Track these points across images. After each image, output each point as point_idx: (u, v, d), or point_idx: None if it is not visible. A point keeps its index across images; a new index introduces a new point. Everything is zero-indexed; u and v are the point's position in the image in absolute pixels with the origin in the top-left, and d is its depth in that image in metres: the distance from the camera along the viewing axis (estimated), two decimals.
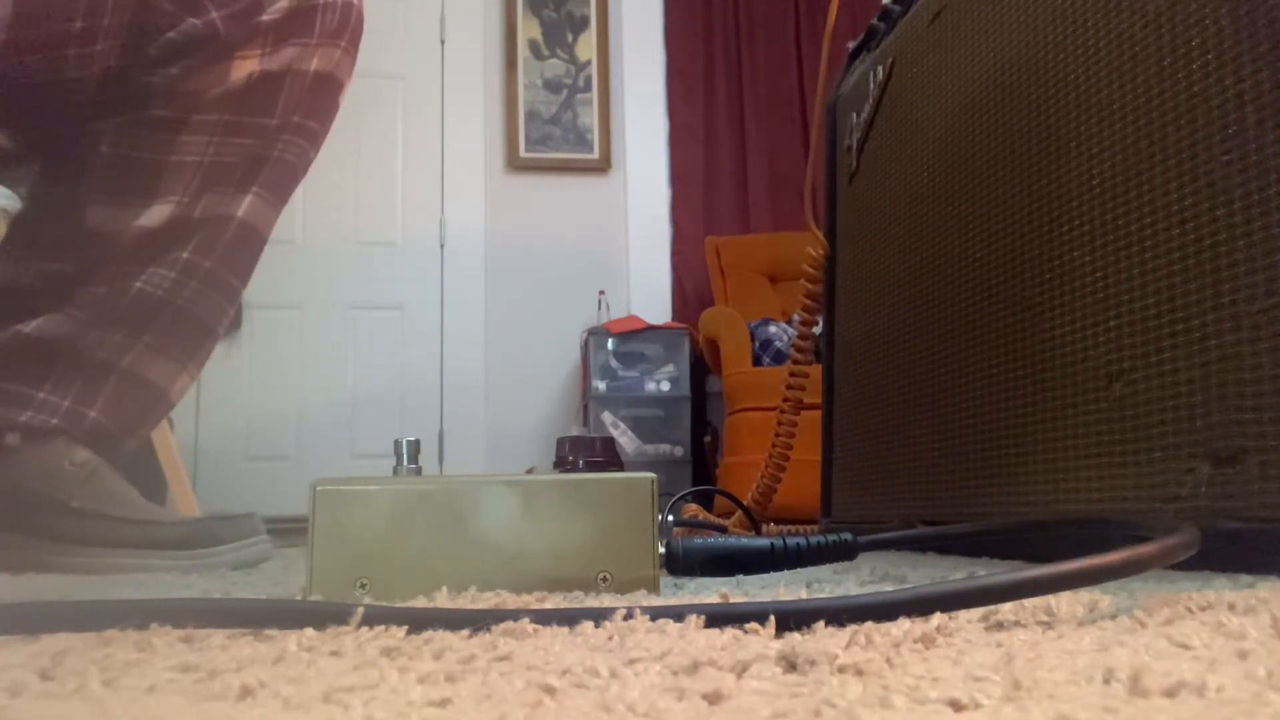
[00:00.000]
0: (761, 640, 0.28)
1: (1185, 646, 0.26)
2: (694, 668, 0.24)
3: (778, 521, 1.28)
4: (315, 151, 0.88)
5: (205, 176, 0.81)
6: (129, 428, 0.83)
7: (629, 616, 0.31)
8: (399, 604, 0.35)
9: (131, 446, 0.84)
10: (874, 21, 1.07)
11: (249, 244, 0.85)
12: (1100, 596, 0.38)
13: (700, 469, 2.83)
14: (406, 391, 3.01)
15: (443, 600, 0.41)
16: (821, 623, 0.30)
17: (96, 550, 0.76)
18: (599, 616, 0.31)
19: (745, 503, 1.16)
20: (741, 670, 0.24)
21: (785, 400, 1.14)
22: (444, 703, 0.21)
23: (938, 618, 0.30)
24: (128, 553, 0.77)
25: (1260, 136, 0.51)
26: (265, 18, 0.81)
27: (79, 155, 0.82)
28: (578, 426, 2.87)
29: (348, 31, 0.86)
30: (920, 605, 0.31)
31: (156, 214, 0.80)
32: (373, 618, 0.31)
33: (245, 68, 0.81)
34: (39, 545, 0.76)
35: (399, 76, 3.14)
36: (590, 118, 3.17)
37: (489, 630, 0.30)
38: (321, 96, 0.86)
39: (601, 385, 2.77)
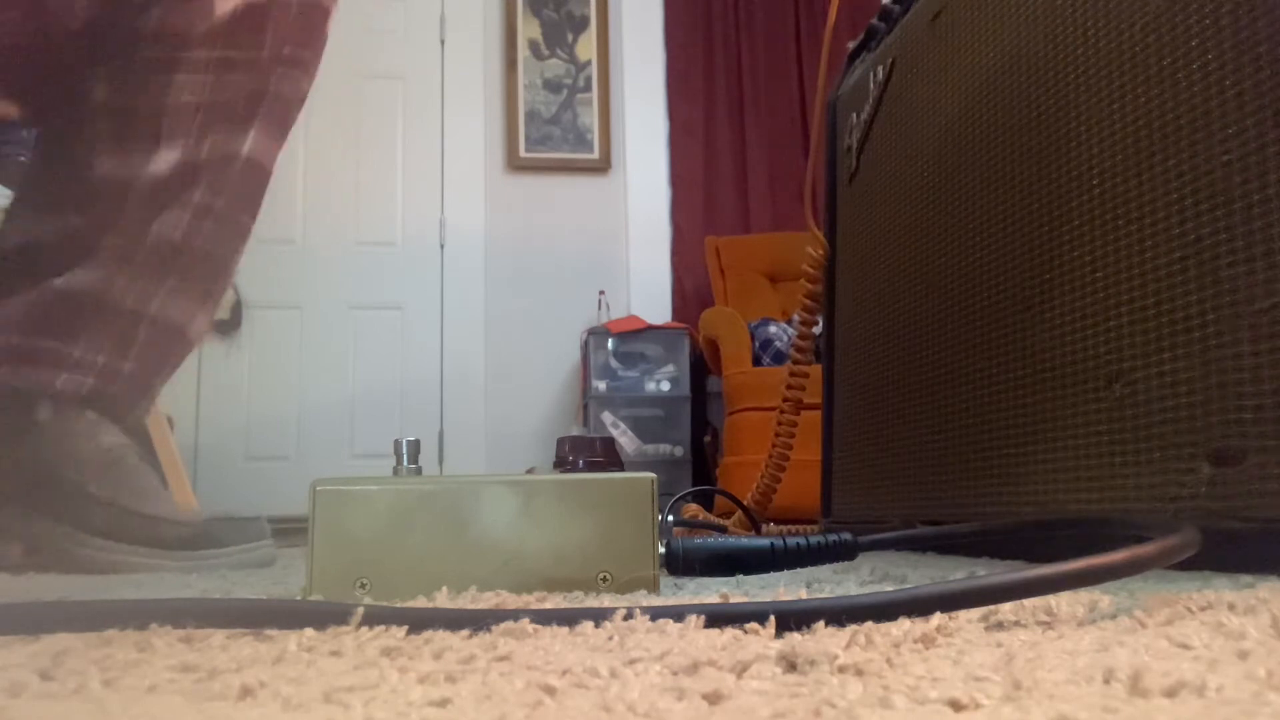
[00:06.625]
0: (761, 640, 0.28)
1: (1185, 646, 0.26)
2: (694, 668, 0.24)
3: (778, 521, 1.28)
4: (309, 83, 0.88)
5: (207, 116, 0.81)
6: (155, 376, 0.83)
7: (629, 616, 0.31)
8: (399, 604, 0.35)
9: (154, 397, 0.84)
10: (874, 21, 1.07)
11: (255, 179, 0.86)
12: (1100, 596, 0.38)
13: (700, 469, 2.83)
14: (406, 391, 3.01)
15: (443, 600, 0.41)
16: (821, 623, 0.30)
17: (102, 542, 0.76)
18: (599, 616, 0.31)
19: (745, 503, 1.16)
20: (741, 670, 0.24)
21: (785, 400, 1.14)
22: (444, 703, 0.21)
23: (938, 618, 0.30)
24: (130, 549, 0.76)
25: (1260, 136, 0.51)
26: None
27: (77, 108, 0.82)
28: (578, 426, 2.87)
29: None
30: (920, 605, 0.31)
31: (165, 159, 0.81)
32: (373, 618, 0.31)
33: (228, 2, 0.80)
34: (47, 526, 0.76)
35: (399, 76, 3.14)
36: (590, 118, 3.17)
37: (489, 630, 0.30)
38: (309, 25, 0.86)
39: (601, 385, 2.77)
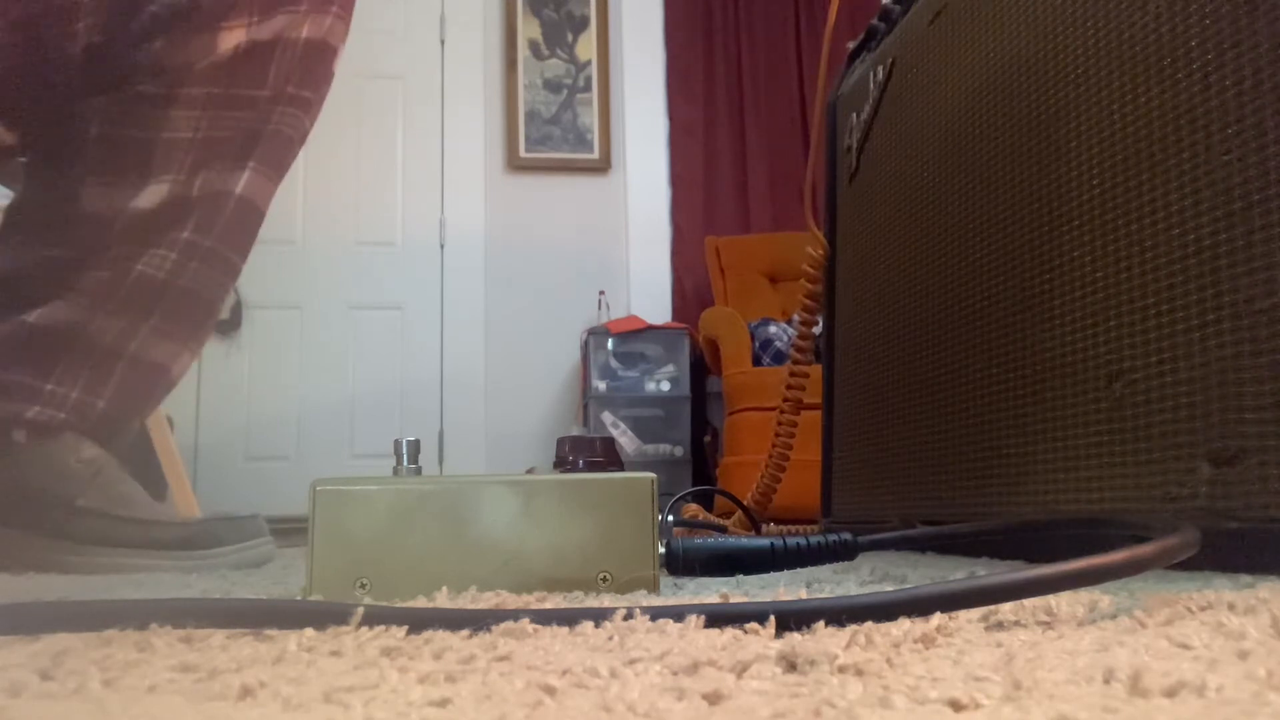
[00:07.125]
0: (761, 640, 0.28)
1: (1185, 646, 0.26)
2: (694, 668, 0.24)
3: (778, 521, 1.28)
4: (311, 122, 0.87)
5: (200, 153, 0.80)
6: (132, 412, 0.82)
7: (629, 616, 0.31)
8: (399, 604, 0.35)
9: (133, 430, 0.84)
10: (874, 21, 1.07)
11: (248, 220, 0.84)
12: (1100, 596, 0.38)
13: (700, 469, 2.83)
14: (406, 391, 3.01)
15: (443, 600, 0.41)
16: (821, 623, 0.30)
17: (99, 549, 0.76)
18: (599, 616, 0.31)
19: (745, 503, 1.16)
20: (741, 670, 0.24)
21: (785, 400, 1.14)
22: (444, 703, 0.21)
23: (938, 618, 0.30)
24: (130, 553, 0.76)
25: (1260, 136, 0.51)
26: None
27: (69, 138, 0.81)
28: (578, 426, 2.87)
29: None
30: (920, 605, 0.31)
31: (153, 194, 0.79)
32: (373, 618, 0.31)
33: (232, 38, 0.79)
34: (42, 543, 0.76)
35: (399, 76, 3.13)
36: (590, 118, 3.17)
37: (489, 630, 0.30)
38: (315, 64, 0.84)
39: (601, 385, 2.77)
